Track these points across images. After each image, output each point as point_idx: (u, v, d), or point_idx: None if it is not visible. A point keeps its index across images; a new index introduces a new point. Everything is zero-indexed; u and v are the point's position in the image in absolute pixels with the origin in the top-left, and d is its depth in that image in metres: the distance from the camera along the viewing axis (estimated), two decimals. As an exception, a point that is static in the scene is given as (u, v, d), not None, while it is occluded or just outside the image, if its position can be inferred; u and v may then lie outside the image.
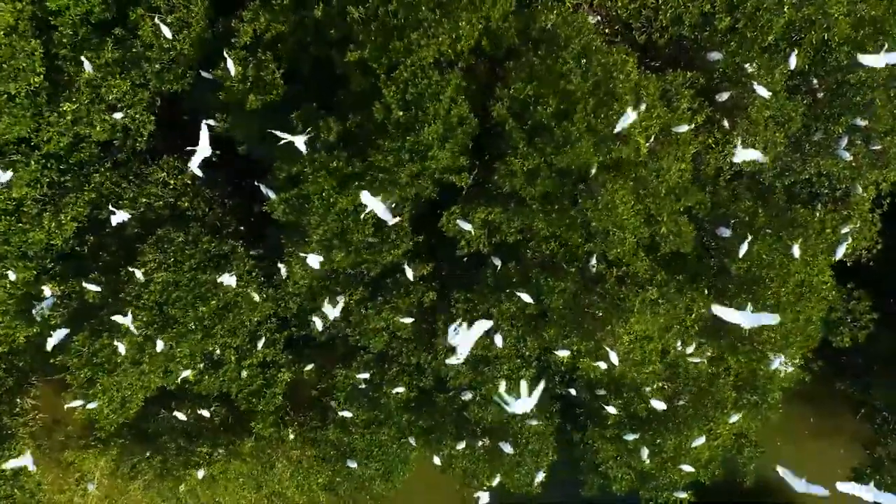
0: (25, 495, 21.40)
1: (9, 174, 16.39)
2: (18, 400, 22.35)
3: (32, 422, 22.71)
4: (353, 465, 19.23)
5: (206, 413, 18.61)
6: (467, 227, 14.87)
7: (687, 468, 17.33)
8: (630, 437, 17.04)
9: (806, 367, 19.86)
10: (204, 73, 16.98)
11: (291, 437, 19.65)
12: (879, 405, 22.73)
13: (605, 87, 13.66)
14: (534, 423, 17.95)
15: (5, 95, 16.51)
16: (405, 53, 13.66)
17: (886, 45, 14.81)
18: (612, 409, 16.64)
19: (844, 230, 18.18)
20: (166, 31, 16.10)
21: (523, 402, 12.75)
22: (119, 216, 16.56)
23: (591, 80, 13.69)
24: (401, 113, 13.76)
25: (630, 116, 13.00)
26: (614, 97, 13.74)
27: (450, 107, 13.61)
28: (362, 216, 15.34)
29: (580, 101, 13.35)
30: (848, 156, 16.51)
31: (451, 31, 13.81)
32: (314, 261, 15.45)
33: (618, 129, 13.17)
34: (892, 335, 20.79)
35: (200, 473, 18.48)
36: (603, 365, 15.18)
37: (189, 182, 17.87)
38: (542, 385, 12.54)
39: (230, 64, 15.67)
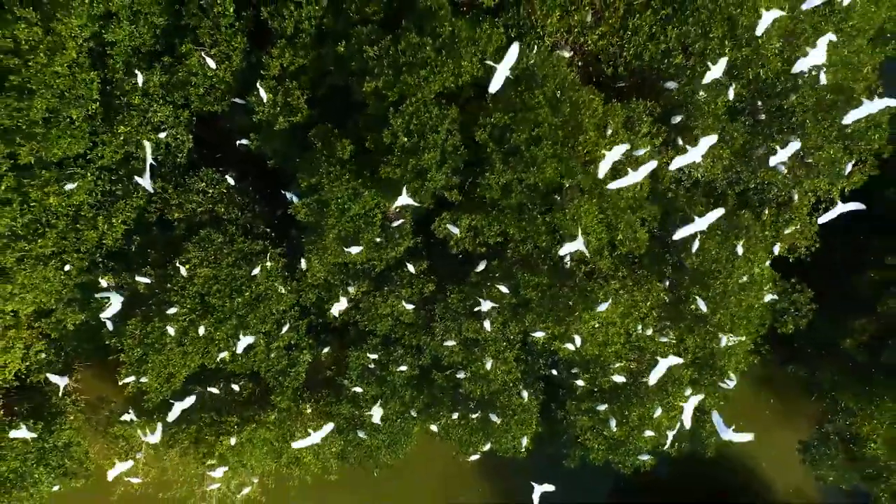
0: (74, 464, 24.35)
1: (72, 185, 19.35)
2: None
3: (78, 401, 25.65)
4: (362, 435, 22.17)
5: (236, 388, 21.52)
6: (455, 230, 17.87)
7: (649, 433, 20.26)
8: (601, 407, 20.03)
9: (756, 351, 22.87)
10: (237, 100, 19.92)
11: (309, 410, 22.57)
12: (826, 387, 25.65)
13: (573, 120, 16.54)
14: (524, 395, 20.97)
15: (67, 119, 19.37)
16: (415, 87, 16.50)
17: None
18: (580, 382, 19.58)
19: (788, 231, 21.27)
20: (211, 63, 19.03)
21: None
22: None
23: (561, 116, 16.55)
24: (405, 139, 16.65)
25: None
26: (581, 129, 16.65)
27: (447, 137, 16.48)
28: (372, 220, 18.35)
29: (548, 130, 16.23)
30: (783, 169, 19.48)
31: (455, 68, 16.76)
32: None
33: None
34: (830, 324, 23.68)
35: (232, 440, 21.31)
36: (571, 346, 18.19)
37: (225, 191, 20.75)
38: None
39: (262, 92, 18.63)
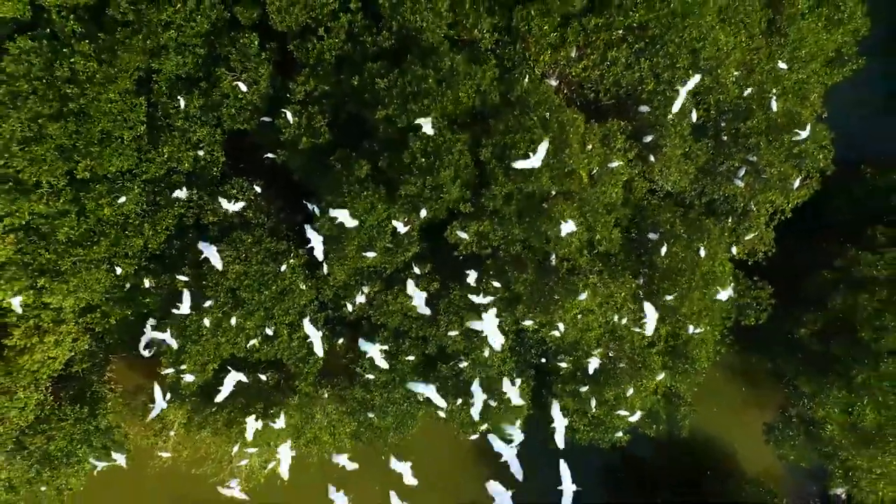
0: (115, 445, 27.05)
1: (124, 198, 22.11)
2: (107, 372, 28.13)
3: (116, 388, 28.37)
4: (372, 416, 24.88)
5: (263, 377, 24.25)
6: (464, 236, 20.68)
7: (623, 413, 23.09)
8: (582, 389, 22.84)
9: (723, 341, 25.72)
10: (265, 119, 22.70)
11: (326, 395, 25.30)
12: (790, 374, 28.43)
13: (560, 138, 19.36)
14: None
15: (119, 139, 22.14)
16: (420, 114, 19.31)
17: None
18: (563, 364, 22.38)
19: (748, 237, 24.15)
20: (242, 87, 21.82)
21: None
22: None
23: (550, 133, 19.36)
24: (423, 160, 19.42)
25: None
26: (567, 144, 19.49)
27: (459, 157, 19.24)
28: (384, 229, 21.18)
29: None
30: (741, 184, 22.34)
31: (453, 98, 19.57)
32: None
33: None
34: (789, 319, 26.50)
35: (259, 423, 23.92)
36: (556, 333, 21.02)
37: (253, 198, 23.53)
38: None
39: (289, 115, 21.42)
